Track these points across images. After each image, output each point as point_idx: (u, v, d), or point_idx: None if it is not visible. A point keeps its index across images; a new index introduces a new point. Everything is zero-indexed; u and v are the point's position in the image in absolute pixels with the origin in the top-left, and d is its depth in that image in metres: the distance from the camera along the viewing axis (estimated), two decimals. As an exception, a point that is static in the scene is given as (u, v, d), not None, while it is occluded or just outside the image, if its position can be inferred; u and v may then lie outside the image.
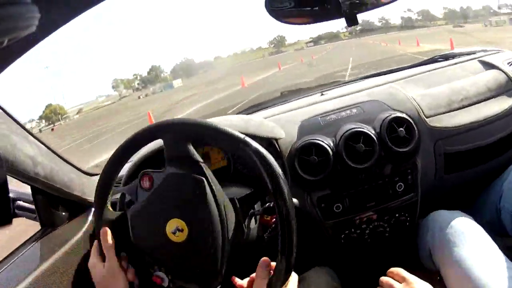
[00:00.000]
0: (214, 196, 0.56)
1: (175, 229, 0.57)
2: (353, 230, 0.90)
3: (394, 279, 0.66)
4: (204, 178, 0.56)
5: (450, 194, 0.86)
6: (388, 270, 0.69)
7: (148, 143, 0.62)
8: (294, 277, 0.56)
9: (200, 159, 0.58)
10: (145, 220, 0.60)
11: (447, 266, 0.71)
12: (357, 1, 0.60)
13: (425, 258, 0.82)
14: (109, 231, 0.61)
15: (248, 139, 0.54)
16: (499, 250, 0.68)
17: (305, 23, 0.65)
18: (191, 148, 0.58)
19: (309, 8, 0.63)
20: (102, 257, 0.61)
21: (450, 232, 0.73)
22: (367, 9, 0.65)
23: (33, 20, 0.28)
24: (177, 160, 0.58)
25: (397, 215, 0.90)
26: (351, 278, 0.89)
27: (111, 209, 0.65)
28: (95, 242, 0.63)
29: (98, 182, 0.64)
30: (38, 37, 0.45)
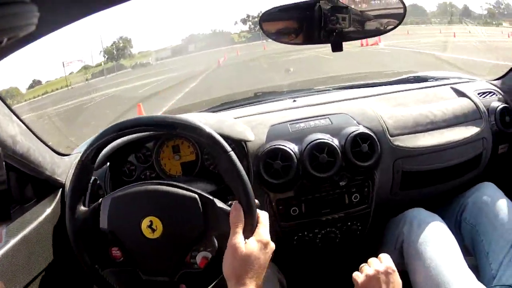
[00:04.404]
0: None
1: (150, 226, 0.59)
2: (306, 233, 0.95)
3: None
4: None
5: (404, 208, 0.92)
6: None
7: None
8: (263, 214, 0.58)
9: None
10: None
11: (417, 260, 0.78)
12: (346, 32, 0.64)
13: (392, 250, 0.87)
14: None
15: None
16: (462, 255, 0.77)
17: (294, 43, 0.68)
18: None
19: (300, 30, 0.66)
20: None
21: (428, 230, 0.81)
22: (352, 39, 0.69)
23: (33, 19, 0.28)
24: None
25: (349, 223, 0.96)
26: (295, 273, 0.95)
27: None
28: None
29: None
30: (37, 35, 0.45)
